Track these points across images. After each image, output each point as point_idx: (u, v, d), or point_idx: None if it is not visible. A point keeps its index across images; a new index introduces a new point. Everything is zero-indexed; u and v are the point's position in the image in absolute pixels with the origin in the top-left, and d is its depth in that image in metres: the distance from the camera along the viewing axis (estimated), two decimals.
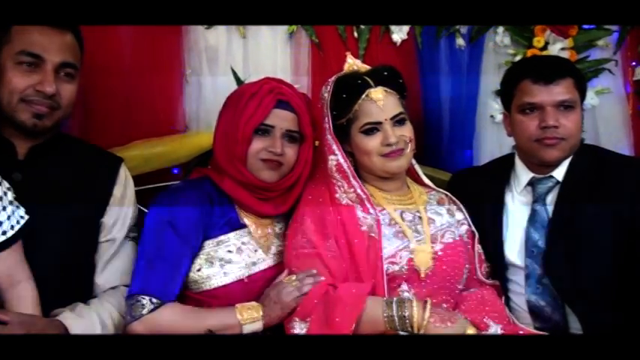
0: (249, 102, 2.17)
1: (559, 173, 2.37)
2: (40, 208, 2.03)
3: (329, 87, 2.25)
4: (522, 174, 2.44)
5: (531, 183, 2.41)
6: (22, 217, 1.97)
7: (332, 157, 2.23)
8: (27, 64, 2.02)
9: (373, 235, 2.16)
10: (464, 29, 3.05)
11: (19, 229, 1.95)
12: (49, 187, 2.10)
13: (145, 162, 2.66)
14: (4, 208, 1.93)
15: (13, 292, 1.94)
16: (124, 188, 2.27)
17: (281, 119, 2.19)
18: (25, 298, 1.95)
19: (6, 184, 1.96)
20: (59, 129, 2.19)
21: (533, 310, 2.32)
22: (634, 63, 3.13)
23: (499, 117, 3.00)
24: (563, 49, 3.02)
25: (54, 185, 2.12)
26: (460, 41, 3.05)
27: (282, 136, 2.20)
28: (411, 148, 2.24)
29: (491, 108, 3.10)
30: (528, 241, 2.36)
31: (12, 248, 1.94)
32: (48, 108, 2.05)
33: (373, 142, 2.20)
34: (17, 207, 1.97)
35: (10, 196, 1.96)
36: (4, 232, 1.92)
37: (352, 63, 2.34)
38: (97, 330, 2.04)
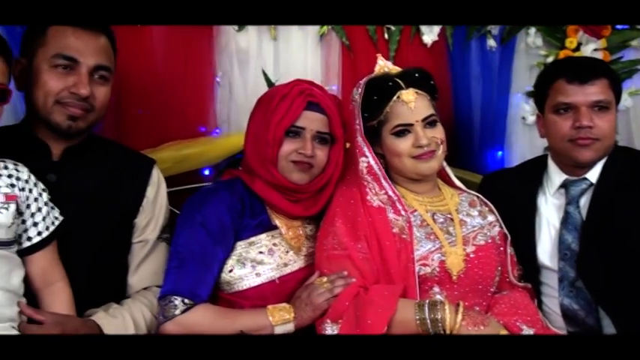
0: (280, 104, 2.17)
1: (593, 175, 2.34)
2: (74, 209, 2.06)
3: (360, 89, 2.24)
4: (555, 176, 2.42)
5: (564, 185, 2.39)
6: (56, 218, 2.00)
7: (363, 159, 2.23)
8: (62, 67, 2.04)
9: (404, 236, 2.14)
10: (495, 30, 3.04)
11: (54, 230, 1.98)
12: (83, 188, 2.12)
13: (176, 164, 2.66)
14: (40, 209, 1.95)
15: (48, 292, 1.96)
16: (157, 189, 2.28)
17: (312, 121, 2.20)
18: (60, 298, 1.97)
19: (41, 186, 1.98)
20: (92, 131, 2.22)
21: (567, 314, 2.30)
22: None
23: (530, 119, 2.99)
24: (596, 49, 2.99)
25: (88, 186, 2.14)
26: (491, 42, 3.03)
27: (313, 138, 2.20)
28: (442, 150, 2.22)
29: (523, 110, 3.08)
30: (561, 243, 2.33)
31: (47, 248, 1.97)
32: (82, 110, 2.06)
33: (404, 144, 2.19)
34: (52, 208, 2.00)
35: (45, 197, 1.98)
36: (39, 233, 1.95)
37: (383, 65, 2.33)
38: (130, 330, 2.06)
